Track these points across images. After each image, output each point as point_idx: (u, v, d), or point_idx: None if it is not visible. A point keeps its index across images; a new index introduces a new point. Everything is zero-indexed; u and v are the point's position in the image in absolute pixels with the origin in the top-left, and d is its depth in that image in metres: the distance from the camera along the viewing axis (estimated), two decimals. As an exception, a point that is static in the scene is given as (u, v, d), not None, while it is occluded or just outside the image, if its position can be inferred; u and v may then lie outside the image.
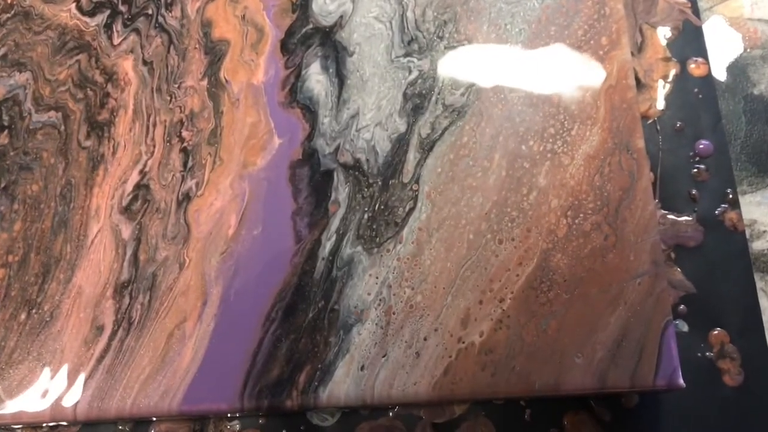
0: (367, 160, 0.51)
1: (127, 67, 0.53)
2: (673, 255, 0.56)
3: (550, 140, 0.51)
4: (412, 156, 0.51)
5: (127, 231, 0.50)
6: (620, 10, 0.54)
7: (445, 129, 0.52)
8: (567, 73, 0.53)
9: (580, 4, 0.54)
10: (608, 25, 0.54)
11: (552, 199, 0.50)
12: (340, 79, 0.53)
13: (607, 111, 0.52)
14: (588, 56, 0.53)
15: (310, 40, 0.54)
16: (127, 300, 0.49)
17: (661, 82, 0.59)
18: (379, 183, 0.50)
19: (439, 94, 0.52)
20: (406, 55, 0.53)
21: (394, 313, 0.48)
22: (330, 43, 0.53)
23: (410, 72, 0.53)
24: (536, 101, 0.52)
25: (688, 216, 0.56)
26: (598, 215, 0.50)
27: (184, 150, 0.51)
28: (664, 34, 0.61)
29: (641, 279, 0.48)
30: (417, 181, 0.50)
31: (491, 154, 0.51)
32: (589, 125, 0.51)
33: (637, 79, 0.59)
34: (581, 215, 0.50)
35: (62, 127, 0.52)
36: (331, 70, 0.53)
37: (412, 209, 0.50)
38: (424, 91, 0.52)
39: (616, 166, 0.51)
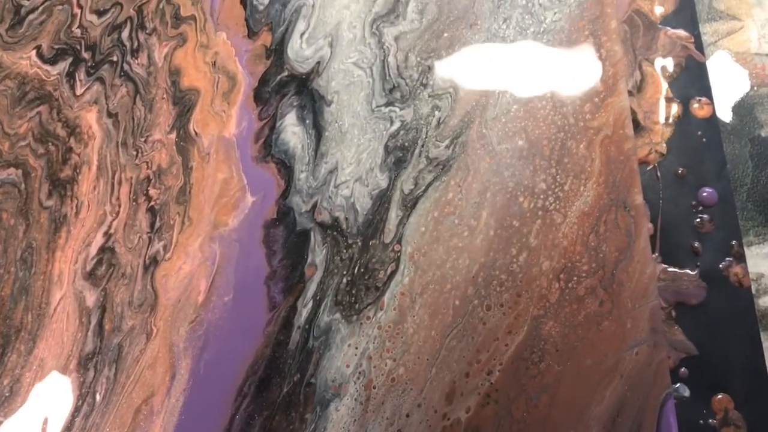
0: (346, 219, 0.49)
1: (90, 119, 0.51)
2: (673, 313, 0.53)
3: (542, 196, 0.49)
4: (393, 214, 0.49)
5: (91, 298, 0.48)
6: (618, 52, 0.52)
7: (429, 184, 0.50)
8: (560, 123, 0.50)
9: (574, 47, 0.51)
10: (604, 69, 0.51)
11: (543, 261, 0.48)
12: (318, 130, 0.50)
13: (602, 164, 0.49)
14: (582, 103, 0.51)
15: (286, 88, 0.52)
16: (91, 373, 0.47)
17: (661, 125, 0.57)
18: (359, 243, 0.48)
19: (422, 146, 0.50)
20: (388, 104, 0.51)
21: (374, 387, 0.46)
22: (306, 92, 0.51)
23: (392, 123, 0.51)
24: (526, 153, 0.50)
25: (691, 270, 0.54)
26: (592, 279, 0.47)
27: (151, 209, 0.49)
28: (665, 71, 0.58)
29: (639, 348, 0.46)
30: (399, 242, 0.48)
31: (478, 211, 0.49)
32: (584, 180, 0.49)
33: (636, 122, 0.57)
34: (575, 279, 0.47)
35: (22, 186, 0.50)
36: (307, 121, 0.51)
37: (393, 272, 0.48)
38: (406, 144, 0.50)
39: (612, 224, 0.48)
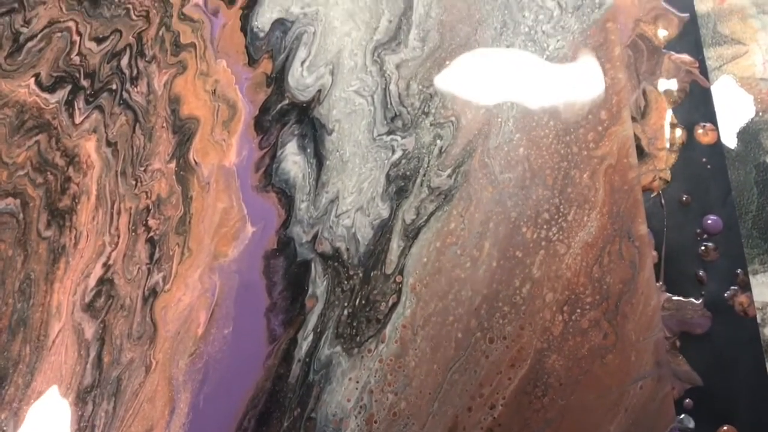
0: (347, 249, 0.49)
1: (89, 148, 0.51)
2: (678, 343, 0.53)
3: (545, 226, 0.49)
4: (395, 244, 0.49)
5: (90, 330, 0.48)
6: (621, 79, 0.51)
7: (431, 214, 0.49)
8: (563, 151, 0.50)
9: (578, 74, 0.51)
10: (608, 97, 0.51)
11: (547, 293, 0.47)
12: (319, 159, 0.50)
13: (606, 193, 0.49)
14: (586, 132, 0.50)
15: (286, 116, 0.51)
16: (90, 406, 0.47)
17: (666, 151, 0.57)
18: (360, 275, 0.48)
19: (424, 175, 0.50)
20: (389, 132, 0.51)
21: (375, 422, 0.46)
22: (307, 120, 0.51)
23: (393, 151, 0.50)
24: (529, 183, 0.50)
25: (695, 299, 0.54)
26: (596, 311, 0.47)
27: (150, 240, 0.49)
28: (669, 96, 0.58)
29: (643, 382, 0.46)
30: (401, 273, 0.48)
31: (481, 242, 0.49)
32: (587, 210, 0.49)
33: (640, 148, 0.57)
34: (578, 311, 0.47)
35: (21, 216, 0.50)
36: (308, 150, 0.51)
37: (395, 304, 0.48)
38: (408, 173, 0.50)
39: (616, 255, 0.48)
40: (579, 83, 0.53)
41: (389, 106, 0.53)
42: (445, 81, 0.53)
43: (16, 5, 0.55)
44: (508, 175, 0.51)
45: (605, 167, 0.51)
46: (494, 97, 0.53)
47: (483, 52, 0.54)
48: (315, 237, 0.51)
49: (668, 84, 0.59)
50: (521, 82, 0.53)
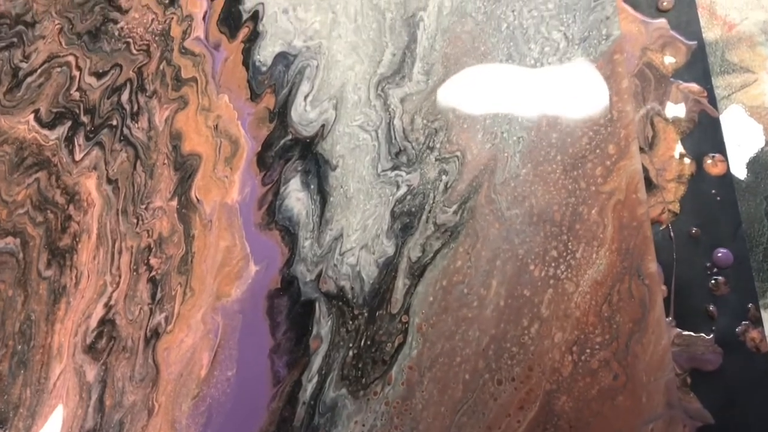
0: (352, 288, 0.48)
1: (90, 186, 0.50)
2: (688, 380, 0.52)
3: (553, 264, 0.48)
4: (401, 283, 0.48)
5: (91, 373, 0.47)
6: (629, 113, 0.51)
7: (437, 251, 0.49)
8: (570, 187, 0.49)
9: (584, 107, 0.50)
10: (616, 131, 0.51)
11: (555, 333, 0.47)
12: (323, 196, 0.50)
13: (615, 230, 0.49)
14: (594, 167, 0.50)
15: (290, 152, 0.51)
16: (91, 451, 0.46)
17: (674, 183, 0.56)
18: (365, 314, 0.48)
19: (429, 212, 0.49)
20: (394, 168, 0.50)
21: (382, 467, 0.45)
22: (311, 156, 0.51)
23: (398, 187, 0.50)
24: (537, 219, 0.49)
25: (706, 335, 0.53)
26: (606, 351, 0.47)
27: (152, 280, 0.49)
28: (678, 126, 0.57)
29: (654, 424, 0.45)
30: (407, 312, 0.47)
31: (488, 280, 0.48)
32: (596, 247, 0.48)
33: (648, 179, 0.56)
34: (588, 351, 0.47)
35: (21, 255, 0.50)
36: (312, 187, 0.50)
37: (401, 344, 0.47)
38: (413, 209, 0.50)
39: (625, 293, 0.48)
40: (586, 117, 0.52)
41: (394, 141, 0.53)
42: (449, 115, 0.53)
43: (15, 40, 0.55)
44: (515, 211, 0.51)
45: (614, 203, 0.51)
46: (500, 130, 0.53)
47: (488, 86, 0.53)
48: (319, 276, 0.50)
49: (676, 114, 0.58)
50: (527, 115, 0.53)
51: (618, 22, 0.54)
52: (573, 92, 0.53)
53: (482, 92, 0.53)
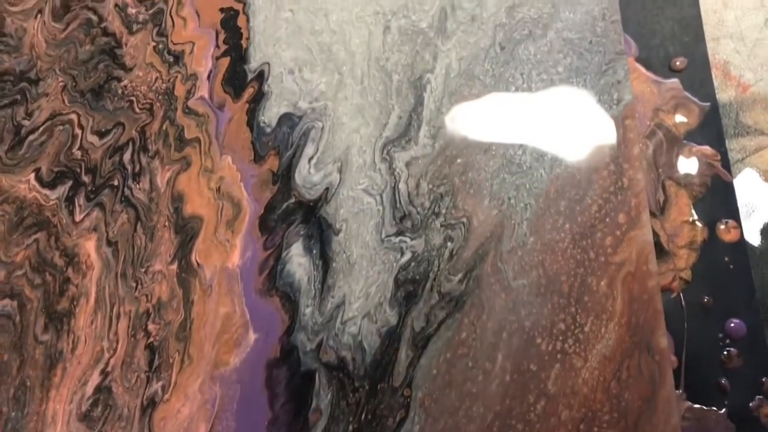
0: (353, 359, 0.47)
1: (89, 248, 0.50)
2: (702, 458, 0.51)
3: (560, 338, 0.47)
4: (403, 354, 0.47)
5: (85, 442, 0.47)
6: (640, 180, 0.50)
7: (442, 322, 0.48)
8: (579, 257, 0.48)
9: (594, 174, 0.50)
10: (626, 200, 0.50)
11: (562, 410, 0.46)
12: (325, 261, 0.49)
13: (625, 303, 0.48)
14: (603, 237, 0.49)
15: (292, 215, 0.50)
16: None
17: (686, 249, 0.55)
18: (366, 387, 0.47)
19: (434, 280, 0.49)
20: (398, 233, 0.50)
21: None
22: (314, 220, 0.50)
23: (402, 254, 0.49)
24: (544, 290, 0.48)
25: (718, 409, 0.52)
26: (614, 430, 0.46)
27: (150, 346, 0.48)
28: (690, 191, 0.56)
29: None
30: (409, 386, 0.47)
31: (494, 353, 0.47)
32: (605, 320, 0.47)
33: (659, 246, 0.55)
34: (595, 429, 0.46)
35: (17, 318, 0.49)
36: (314, 252, 0.49)
37: (403, 420, 0.46)
38: (417, 277, 0.49)
39: (635, 369, 0.47)
40: (596, 184, 0.52)
41: (398, 205, 0.52)
42: (456, 180, 0.52)
43: (18, 97, 0.55)
44: (522, 282, 0.50)
45: (624, 275, 0.50)
46: (507, 196, 0.52)
47: (495, 150, 0.52)
48: (320, 345, 0.49)
49: (689, 177, 0.57)
50: (535, 181, 0.52)
51: (629, 86, 0.53)
52: (582, 159, 0.52)
53: (489, 156, 0.52)
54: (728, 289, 0.55)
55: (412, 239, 0.51)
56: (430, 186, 0.52)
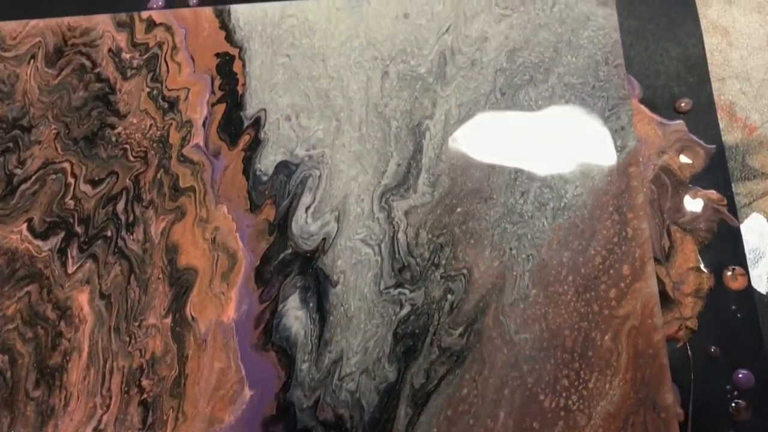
0: (351, 417, 0.46)
1: (82, 300, 0.49)
2: None
3: (564, 394, 0.46)
4: (403, 412, 0.46)
5: (76, 503, 0.45)
6: (645, 230, 0.49)
7: (442, 378, 0.47)
8: (583, 310, 0.47)
9: (597, 225, 0.49)
10: (630, 250, 0.49)
11: (566, 471, 0.45)
12: (322, 314, 0.48)
13: (630, 358, 0.47)
14: (607, 289, 0.48)
15: (289, 267, 0.49)
16: None
17: (692, 297, 0.54)
18: (365, 446, 0.45)
19: (434, 334, 0.48)
20: (397, 285, 0.49)
21: None
22: (311, 272, 0.49)
23: (401, 306, 0.48)
24: (547, 345, 0.47)
25: (728, 464, 0.51)
26: (620, 492, 0.44)
27: (143, 403, 0.47)
28: (696, 236, 0.55)
29: None
30: (409, 444, 0.45)
31: (495, 410, 0.46)
32: (609, 376, 0.46)
33: (665, 294, 0.54)
34: (600, 491, 0.44)
35: (9, 374, 0.49)
36: (311, 304, 0.48)
37: (403, 480, 0.45)
38: (417, 330, 0.48)
39: (640, 427, 0.46)
40: (599, 235, 0.50)
41: (397, 256, 0.51)
42: (456, 230, 0.51)
43: (11, 145, 0.54)
44: (524, 336, 0.49)
45: (628, 328, 0.49)
46: (508, 247, 0.51)
47: (496, 199, 0.51)
48: (317, 402, 0.48)
49: (694, 223, 0.56)
50: (538, 231, 0.51)
51: (633, 132, 0.52)
52: (585, 208, 0.51)
53: (489, 205, 0.51)
54: (736, 338, 0.54)
55: (411, 291, 0.50)
56: (430, 236, 0.51)
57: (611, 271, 0.50)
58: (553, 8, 0.55)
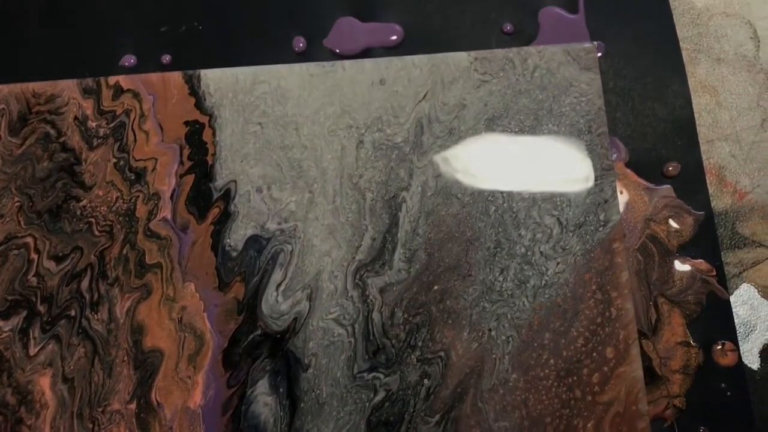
0: None
1: (44, 385, 0.47)
2: None
3: (544, 487, 0.44)
4: (376, 507, 0.44)
5: None
6: (629, 311, 0.47)
7: (417, 469, 0.44)
8: (564, 396, 0.45)
9: (579, 304, 0.47)
10: (614, 332, 0.47)
11: None
12: (292, 401, 0.46)
13: (613, 448, 0.44)
14: (590, 373, 0.46)
15: (258, 349, 0.48)
16: None
17: (680, 374, 0.52)
18: None
19: (410, 422, 0.46)
20: (372, 369, 0.47)
21: None
22: (281, 354, 0.47)
23: (376, 392, 0.46)
24: (527, 434, 0.45)
25: None
26: None
27: (106, 495, 0.45)
28: (684, 309, 0.53)
29: None
30: None
31: (472, 504, 0.44)
32: (592, 468, 0.44)
33: (651, 370, 0.52)
34: None
35: (-35, 464, 0.46)
36: (281, 390, 0.47)
37: None
38: (392, 418, 0.46)
39: None
40: (581, 315, 0.48)
41: (372, 337, 0.49)
42: (432, 309, 0.49)
43: (-29, 219, 0.52)
44: (503, 424, 0.47)
45: (611, 416, 0.46)
46: (487, 327, 0.49)
47: (474, 276, 0.49)
48: (287, 495, 0.46)
49: (682, 295, 0.54)
50: (518, 311, 0.49)
51: (617, 205, 0.50)
52: (567, 286, 0.49)
53: (467, 282, 0.49)
54: (726, 418, 0.52)
55: (386, 376, 0.48)
56: (406, 315, 0.49)
57: (594, 354, 0.48)
58: (534, 73, 0.53)
